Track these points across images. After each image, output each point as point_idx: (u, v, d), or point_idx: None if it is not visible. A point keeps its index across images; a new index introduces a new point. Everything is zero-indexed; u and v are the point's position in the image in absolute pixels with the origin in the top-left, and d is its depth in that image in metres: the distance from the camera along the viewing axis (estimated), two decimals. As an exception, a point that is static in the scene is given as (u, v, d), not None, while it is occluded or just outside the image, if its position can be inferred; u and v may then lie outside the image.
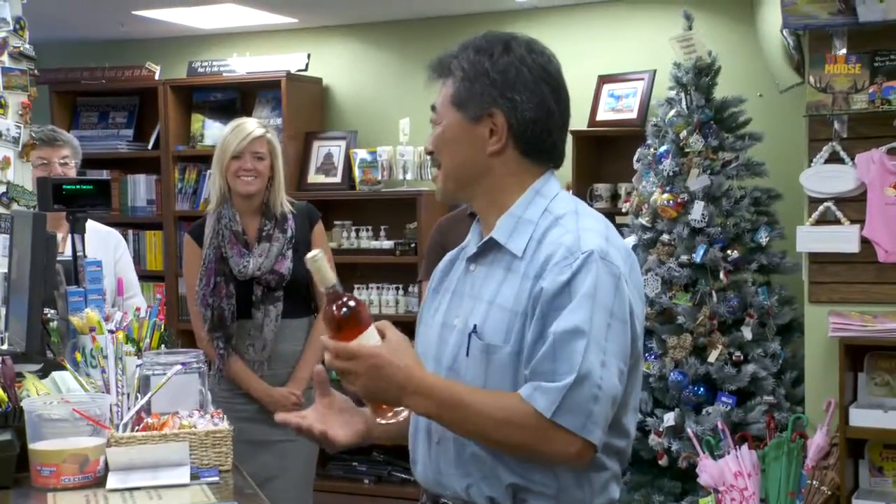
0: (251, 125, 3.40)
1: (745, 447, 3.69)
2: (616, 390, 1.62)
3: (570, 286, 1.61)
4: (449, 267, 1.87)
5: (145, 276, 5.77)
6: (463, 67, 1.72)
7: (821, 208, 3.94)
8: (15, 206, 3.17)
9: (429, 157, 1.82)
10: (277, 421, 1.78)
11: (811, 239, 3.94)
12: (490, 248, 1.74)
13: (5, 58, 3.20)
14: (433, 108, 1.77)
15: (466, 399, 1.61)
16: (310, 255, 1.62)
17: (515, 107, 1.70)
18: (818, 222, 3.95)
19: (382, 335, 1.62)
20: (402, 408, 1.65)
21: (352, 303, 1.60)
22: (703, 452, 3.78)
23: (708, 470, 3.73)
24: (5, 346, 2.69)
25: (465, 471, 1.69)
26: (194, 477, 2.18)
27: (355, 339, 1.59)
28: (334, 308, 1.60)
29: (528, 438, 1.59)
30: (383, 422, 1.68)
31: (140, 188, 5.99)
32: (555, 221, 1.70)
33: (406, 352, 1.62)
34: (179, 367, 2.37)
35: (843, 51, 3.83)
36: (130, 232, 5.89)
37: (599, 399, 1.59)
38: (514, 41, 1.74)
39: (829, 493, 3.74)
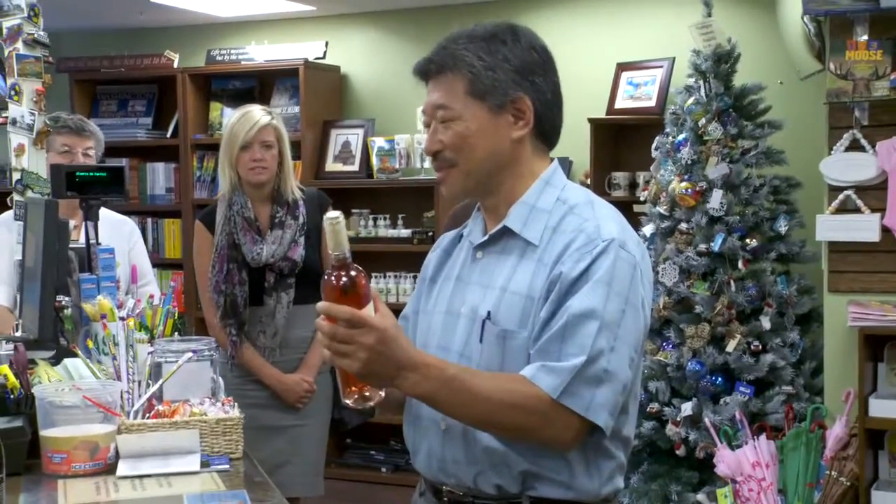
0: (257, 113, 3.38)
1: (763, 437, 3.66)
2: (626, 377, 1.62)
3: (588, 272, 1.61)
4: (444, 257, 1.85)
5: (164, 264, 5.80)
6: (480, 57, 1.68)
7: (841, 197, 3.90)
8: (29, 194, 3.17)
9: (433, 159, 1.74)
10: None
11: (831, 228, 3.90)
12: (501, 237, 1.73)
13: (19, 45, 3.20)
14: (441, 106, 1.70)
15: (467, 380, 1.59)
16: (330, 214, 1.54)
17: (538, 89, 1.70)
18: (838, 211, 3.91)
19: (377, 310, 1.57)
20: (377, 392, 1.60)
21: (356, 273, 1.54)
22: (721, 442, 3.75)
23: (725, 460, 3.70)
24: (19, 333, 2.70)
25: (473, 459, 1.68)
26: (204, 465, 2.18)
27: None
28: (340, 276, 1.53)
29: (529, 420, 1.59)
30: (349, 402, 1.60)
31: (159, 176, 6.01)
32: (569, 210, 1.70)
33: (402, 332, 1.59)
34: (191, 354, 2.37)
35: (865, 37, 3.78)
36: (149, 220, 5.92)
37: (605, 382, 1.58)
38: (518, 28, 1.74)
39: (849, 484, 3.71)
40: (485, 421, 1.62)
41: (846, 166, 3.87)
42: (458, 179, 1.73)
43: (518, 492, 1.67)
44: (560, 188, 1.74)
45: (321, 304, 1.55)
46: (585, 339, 1.58)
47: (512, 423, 1.60)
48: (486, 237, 1.76)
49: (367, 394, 1.60)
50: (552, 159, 1.79)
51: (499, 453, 1.66)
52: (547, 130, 1.74)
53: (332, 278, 1.54)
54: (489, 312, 1.67)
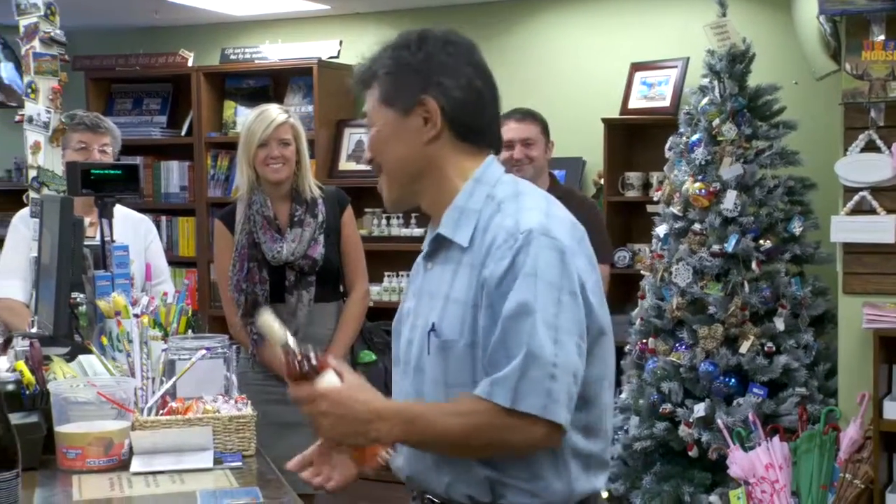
0: (274, 112, 3.40)
1: (776, 439, 3.64)
2: (575, 365, 1.60)
3: (512, 269, 1.60)
4: (416, 270, 1.85)
5: (177, 263, 5.81)
6: (385, 65, 1.73)
7: (856, 198, 3.88)
8: (45, 191, 3.19)
9: (370, 166, 1.79)
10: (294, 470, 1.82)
11: (846, 229, 3.89)
12: (441, 245, 1.73)
13: (36, 43, 3.22)
14: (364, 114, 1.78)
15: (428, 413, 1.62)
16: (260, 320, 1.69)
17: (444, 90, 1.70)
18: (853, 212, 3.89)
19: (341, 377, 1.65)
20: (380, 449, 1.68)
21: (308, 355, 1.64)
22: (734, 444, 3.74)
23: (738, 462, 3.69)
24: (34, 329, 2.71)
25: (442, 469, 1.69)
26: (217, 461, 2.20)
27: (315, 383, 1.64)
28: (293, 364, 1.63)
29: (494, 435, 1.59)
30: (368, 469, 1.70)
31: (173, 174, 6.03)
32: (497, 207, 1.68)
33: (365, 388, 1.64)
34: (204, 351, 2.39)
35: (881, 37, 3.76)
36: (163, 218, 5.93)
37: (557, 377, 1.57)
38: (429, 32, 1.75)
39: (863, 486, 3.69)
40: (459, 449, 1.64)
41: (861, 167, 3.85)
42: (385, 186, 1.77)
43: (490, 501, 1.66)
44: (491, 184, 1.72)
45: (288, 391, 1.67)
46: (522, 337, 1.57)
47: (481, 443, 1.61)
48: (428, 248, 1.76)
49: (369, 457, 1.70)
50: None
51: (460, 462, 1.66)
52: (467, 130, 1.72)
53: (286, 369, 1.65)
54: (433, 324, 1.67)
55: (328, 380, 1.63)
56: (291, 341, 1.65)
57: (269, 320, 1.66)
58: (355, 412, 1.60)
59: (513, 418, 1.57)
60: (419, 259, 1.82)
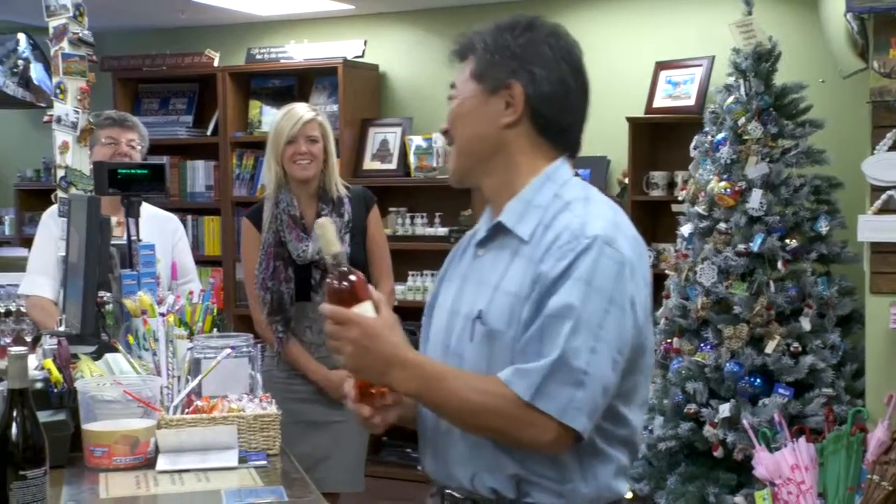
0: (302, 109, 3.42)
1: (802, 440, 3.62)
2: (607, 379, 1.58)
3: (568, 270, 1.59)
4: (458, 254, 1.85)
5: (203, 262, 5.85)
6: (485, 41, 1.73)
7: (883, 197, 3.84)
8: (73, 190, 3.22)
9: (444, 137, 1.79)
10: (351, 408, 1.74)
11: (873, 228, 3.85)
12: (498, 233, 1.73)
13: (65, 44, 3.25)
14: (452, 85, 1.77)
15: (450, 379, 1.61)
16: (319, 220, 1.67)
17: (534, 80, 1.69)
18: (881, 211, 3.85)
19: (378, 311, 1.64)
20: (386, 391, 1.65)
21: (352, 276, 1.63)
22: (760, 444, 3.72)
23: (764, 462, 3.67)
24: (62, 328, 2.74)
25: (470, 460, 1.68)
26: (242, 460, 2.21)
27: (352, 309, 1.62)
28: (336, 280, 1.63)
29: (503, 423, 1.58)
30: (366, 412, 1.66)
31: (199, 174, 6.07)
32: (564, 206, 1.68)
33: (397, 330, 1.63)
34: (229, 350, 2.40)
35: (909, 35, 3.73)
36: (189, 217, 5.97)
37: (585, 384, 1.56)
38: (538, 21, 1.75)
39: (891, 488, 3.66)
40: (463, 422, 1.63)
41: (889, 166, 3.81)
42: (454, 158, 1.77)
43: (514, 497, 1.65)
44: (560, 184, 1.72)
45: (321, 306, 1.65)
46: (559, 339, 1.56)
47: (487, 425, 1.61)
48: (484, 234, 1.76)
49: (373, 397, 1.65)
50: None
51: (489, 454, 1.65)
52: (547, 126, 1.72)
53: (329, 282, 1.65)
54: (480, 311, 1.66)
55: (365, 309, 1.62)
56: (343, 255, 1.65)
57: (328, 224, 1.66)
58: (381, 350, 1.59)
59: (529, 413, 1.56)
60: (466, 244, 1.82)
